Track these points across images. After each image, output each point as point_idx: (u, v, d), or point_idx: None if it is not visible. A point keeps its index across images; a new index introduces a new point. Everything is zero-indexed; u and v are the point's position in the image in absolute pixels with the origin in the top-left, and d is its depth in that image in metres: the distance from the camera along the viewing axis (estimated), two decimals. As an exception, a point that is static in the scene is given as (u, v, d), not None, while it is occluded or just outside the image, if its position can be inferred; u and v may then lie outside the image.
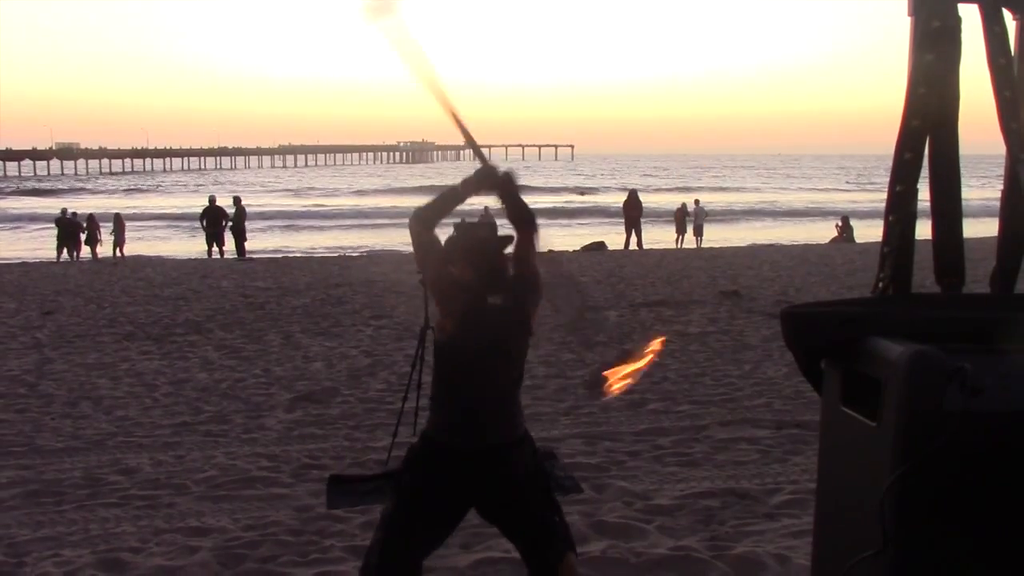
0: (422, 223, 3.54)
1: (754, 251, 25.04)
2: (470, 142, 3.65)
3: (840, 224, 29.49)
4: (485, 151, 3.90)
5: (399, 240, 32.12)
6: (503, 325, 3.50)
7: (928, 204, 2.80)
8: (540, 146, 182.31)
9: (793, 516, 5.24)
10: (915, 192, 2.78)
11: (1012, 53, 2.79)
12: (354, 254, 26.67)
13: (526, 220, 3.53)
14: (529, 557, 3.49)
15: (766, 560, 4.58)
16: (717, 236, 32.75)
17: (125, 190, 72.40)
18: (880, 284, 2.80)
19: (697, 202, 31.93)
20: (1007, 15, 2.81)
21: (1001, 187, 2.92)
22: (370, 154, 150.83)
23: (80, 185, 77.23)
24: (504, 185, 3.48)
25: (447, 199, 3.56)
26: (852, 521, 2.49)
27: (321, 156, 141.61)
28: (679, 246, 29.06)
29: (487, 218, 23.87)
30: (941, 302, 2.75)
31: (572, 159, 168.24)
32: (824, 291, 14.52)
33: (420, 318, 7.07)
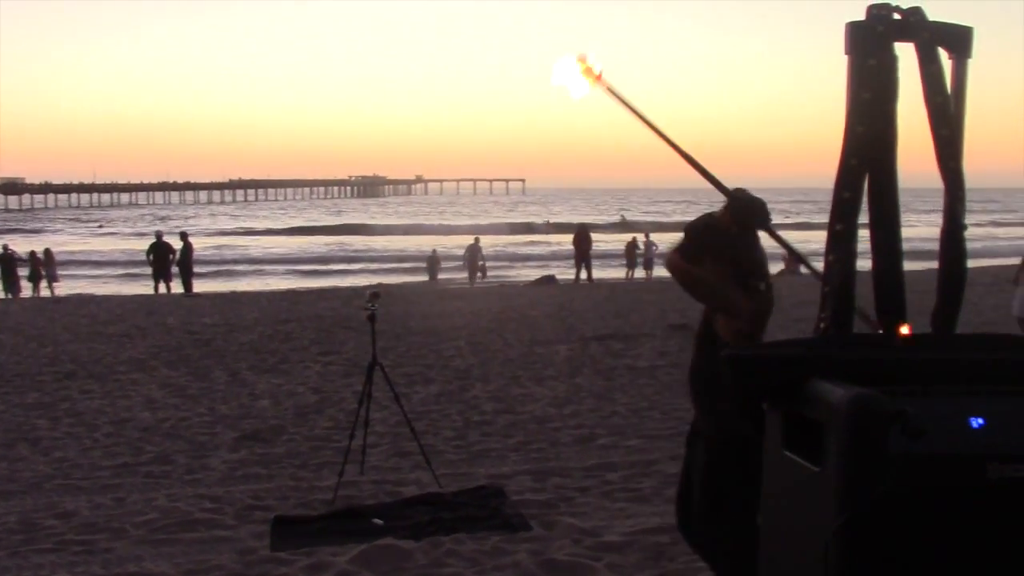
0: (686, 256, 3.54)
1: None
2: (707, 176, 3.59)
3: (787, 256, 29.81)
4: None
5: (348, 281, 31.97)
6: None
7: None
8: (491, 180, 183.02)
9: None
10: (855, 231, 2.78)
11: (948, 92, 2.81)
12: (303, 289, 26.41)
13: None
14: None
15: (715, 597, 4.55)
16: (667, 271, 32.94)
17: (71, 224, 71.21)
18: (821, 324, 2.79)
19: (647, 236, 32.19)
20: (943, 54, 2.84)
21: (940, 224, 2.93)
22: (321, 188, 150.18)
23: (23, 222, 75.80)
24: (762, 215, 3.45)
25: (704, 230, 3.52)
26: (797, 566, 2.46)
27: (271, 191, 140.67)
28: (629, 279, 29.23)
29: (476, 248, 23.43)
30: (882, 343, 2.74)
31: (523, 192, 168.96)
32: (771, 324, 14.63)
33: (368, 354, 7.03)
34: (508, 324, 16.07)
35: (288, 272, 38.23)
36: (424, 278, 30.42)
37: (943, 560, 2.34)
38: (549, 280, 28.49)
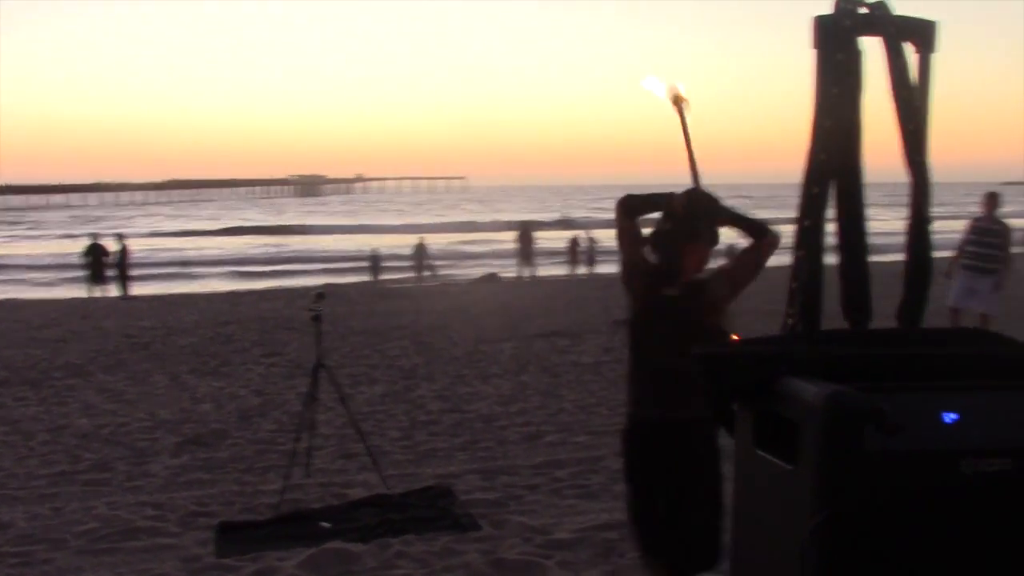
0: (624, 209, 3.94)
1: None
2: (693, 168, 3.96)
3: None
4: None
5: (290, 282, 31.63)
6: (674, 316, 3.83)
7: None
8: (432, 178, 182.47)
9: None
10: (823, 226, 2.76)
11: (914, 85, 2.80)
12: (243, 290, 26.04)
13: (758, 229, 3.91)
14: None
15: (666, 591, 4.56)
16: (609, 268, 33.13)
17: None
18: (789, 321, 2.76)
19: (589, 233, 32.32)
20: (909, 48, 2.83)
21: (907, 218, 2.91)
22: (260, 188, 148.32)
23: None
24: (710, 205, 3.81)
25: (653, 200, 3.93)
26: (771, 565, 2.43)
27: (209, 191, 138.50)
28: (571, 277, 29.31)
29: (422, 250, 23.45)
30: (851, 339, 2.72)
31: (465, 190, 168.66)
32: (742, 316, 14.76)
33: (313, 355, 6.94)
34: (452, 322, 16.02)
35: (228, 274, 37.60)
36: (366, 278, 30.18)
37: (920, 557, 2.33)
38: (492, 278, 28.49)
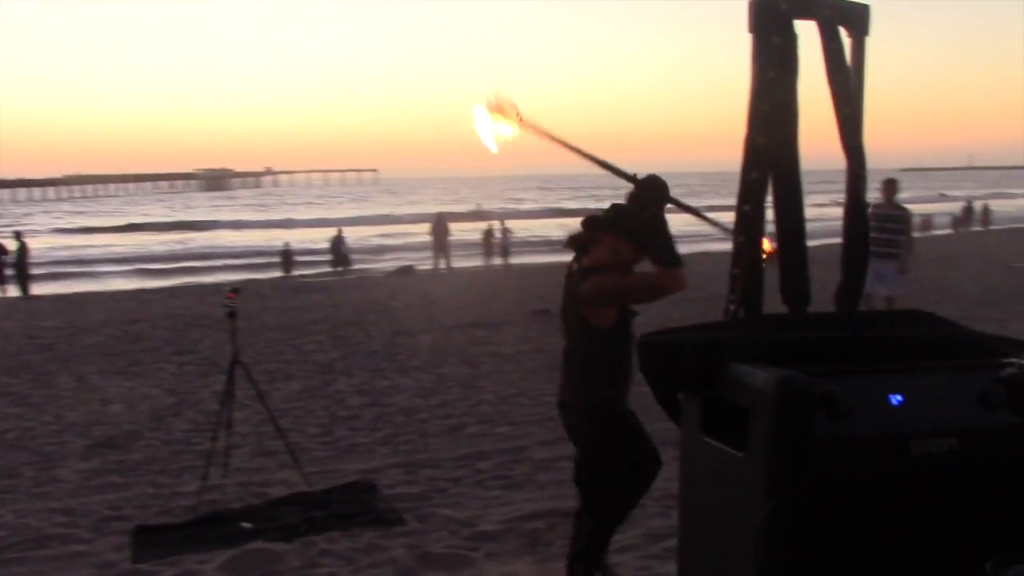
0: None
1: (562, 271, 25.48)
2: (608, 166, 3.70)
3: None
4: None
5: (199, 279, 30.91)
6: (569, 296, 4.15)
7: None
8: (343, 171, 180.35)
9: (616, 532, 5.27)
10: (763, 211, 2.74)
11: (849, 70, 2.80)
12: (151, 288, 25.34)
13: (671, 258, 3.60)
14: None
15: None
16: (525, 259, 33.20)
17: None
18: (731, 306, 2.74)
19: (503, 223, 32.35)
20: (843, 33, 2.83)
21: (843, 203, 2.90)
22: (165, 183, 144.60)
23: None
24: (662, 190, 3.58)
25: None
26: (721, 552, 2.41)
27: (112, 186, 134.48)
28: (487, 268, 29.30)
29: (341, 243, 23.08)
30: (793, 324, 2.71)
31: (376, 182, 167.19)
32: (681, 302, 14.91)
33: (227, 352, 6.76)
34: (369, 316, 15.86)
35: (133, 271, 36.52)
36: (278, 273, 29.65)
37: (873, 538, 2.33)
38: (408, 270, 28.30)
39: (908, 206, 11.35)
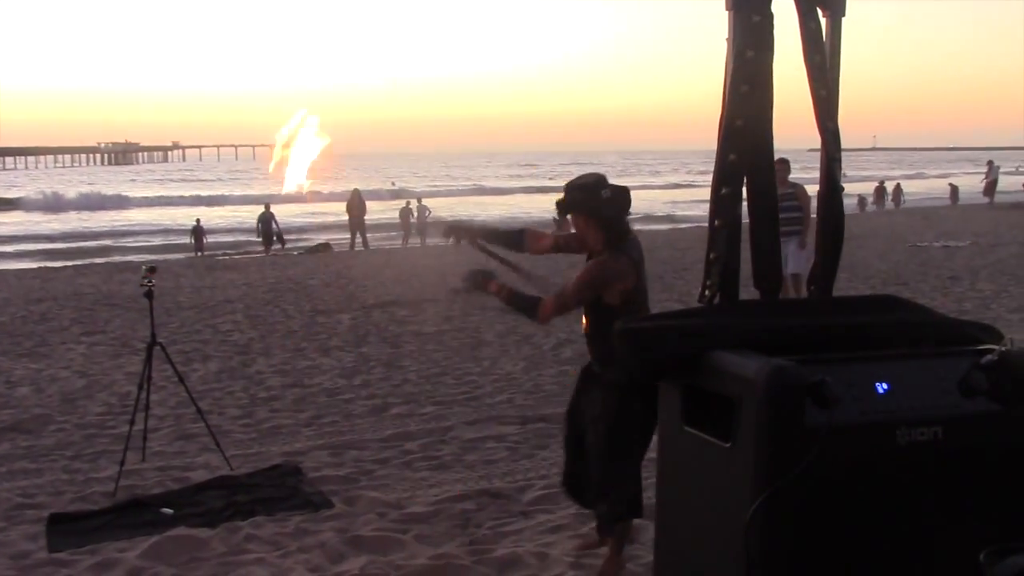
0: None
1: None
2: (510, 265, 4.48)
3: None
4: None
5: (106, 257, 30.03)
6: None
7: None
8: (254, 146, 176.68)
9: (547, 511, 5.28)
10: (740, 195, 2.68)
11: (826, 51, 2.75)
12: (56, 266, 24.45)
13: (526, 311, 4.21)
14: None
15: (527, 559, 4.58)
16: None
17: None
18: (707, 292, 2.67)
19: (420, 201, 32.12)
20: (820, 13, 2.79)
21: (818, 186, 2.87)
22: (67, 156, 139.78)
23: None
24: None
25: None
26: (705, 544, 2.35)
27: (9, 159, 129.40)
28: (405, 246, 29.08)
29: (269, 216, 22.65)
30: (771, 309, 2.65)
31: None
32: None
33: (141, 332, 6.55)
34: (286, 294, 15.59)
35: (35, 251, 35.20)
36: (190, 253, 28.86)
37: (862, 528, 2.31)
38: (324, 248, 27.87)
39: (803, 184, 11.48)
